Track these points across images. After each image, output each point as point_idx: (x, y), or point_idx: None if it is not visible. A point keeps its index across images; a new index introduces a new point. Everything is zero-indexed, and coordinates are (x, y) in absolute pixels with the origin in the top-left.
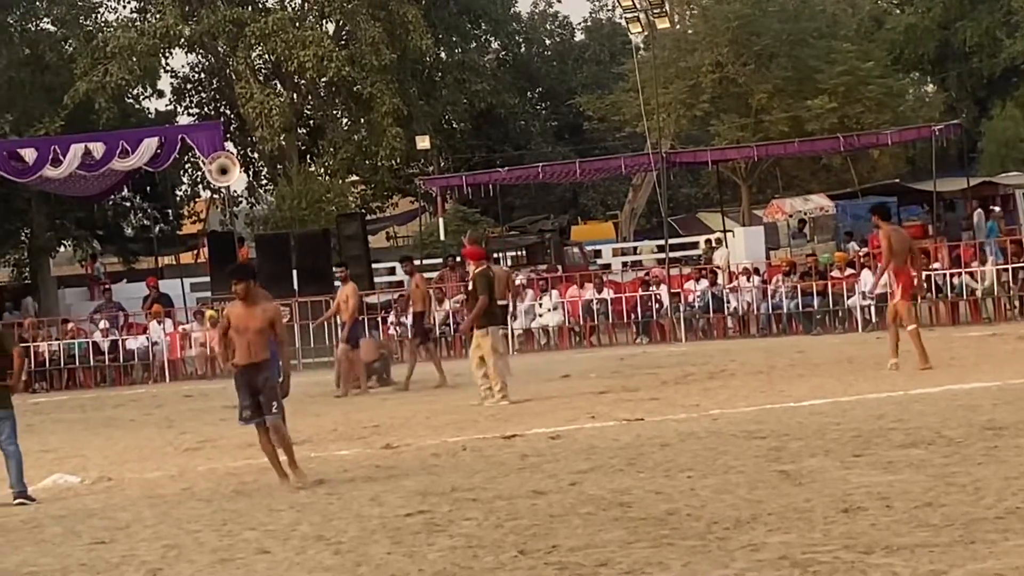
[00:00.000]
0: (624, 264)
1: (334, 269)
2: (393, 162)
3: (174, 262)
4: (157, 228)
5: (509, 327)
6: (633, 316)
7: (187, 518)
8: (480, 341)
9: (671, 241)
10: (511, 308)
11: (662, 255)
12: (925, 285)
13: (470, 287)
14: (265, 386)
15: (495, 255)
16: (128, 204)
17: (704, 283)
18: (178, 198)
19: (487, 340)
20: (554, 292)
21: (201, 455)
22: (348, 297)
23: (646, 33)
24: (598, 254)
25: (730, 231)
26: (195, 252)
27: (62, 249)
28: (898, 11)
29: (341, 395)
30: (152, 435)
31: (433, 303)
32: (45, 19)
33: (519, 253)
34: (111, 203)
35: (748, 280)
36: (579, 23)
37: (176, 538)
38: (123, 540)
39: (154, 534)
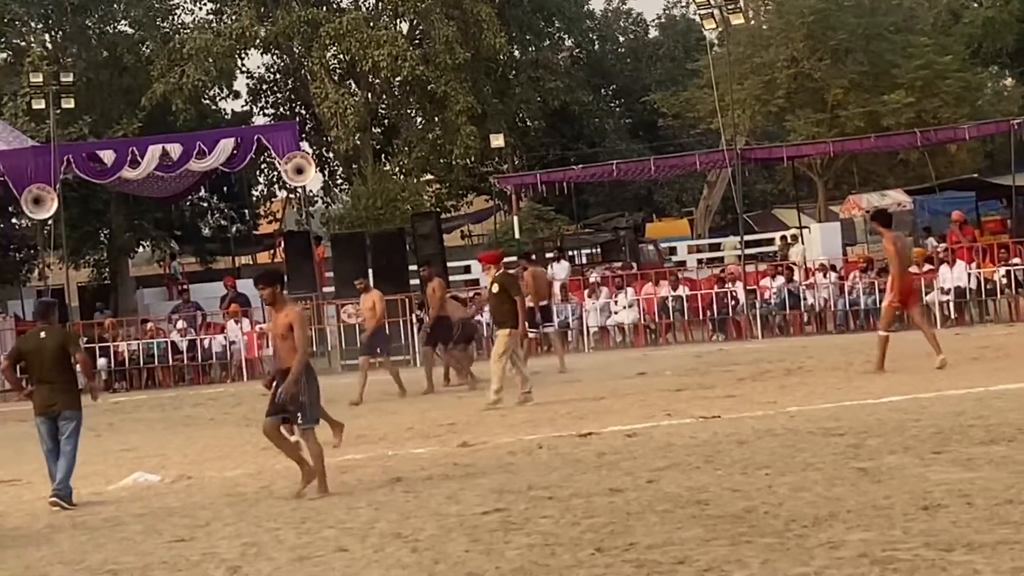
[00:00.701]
0: (699, 261)
1: (420, 269)
2: (467, 160)
3: (251, 262)
4: (234, 228)
5: (555, 326)
6: (709, 313)
7: (266, 516)
8: (499, 339)
9: (747, 238)
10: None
11: (738, 252)
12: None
13: (493, 290)
14: (282, 395)
15: (570, 253)
16: (205, 204)
17: (780, 280)
18: (254, 198)
19: (502, 340)
20: (629, 290)
21: (271, 453)
22: (375, 303)
23: (720, 29)
24: (673, 251)
25: (806, 227)
26: (272, 252)
27: (140, 250)
28: (976, 4)
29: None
30: (231, 434)
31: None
32: (123, 21)
33: (594, 251)
34: (188, 204)
35: (824, 276)
36: (653, 20)
37: (255, 536)
38: (203, 538)
39: (234, 532)
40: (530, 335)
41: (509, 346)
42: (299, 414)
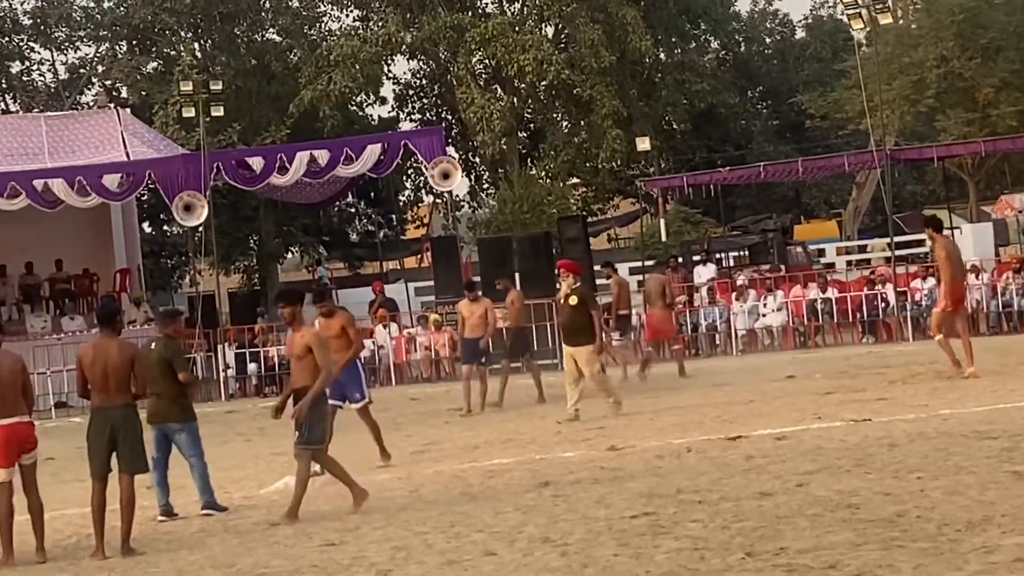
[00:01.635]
0: (848, 263)
1: (603, 268)
2: (613, 164)
3: (398, 267)
4: (381, 233)
5: (630, 337)
6: (859, 315)
7: (415, 520)
8: (577, 355)
9: (896, 239)
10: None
11: (887, 253)
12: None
13: (571, 302)
14: (298, 415)
15: (717, 255)
16: (353, 210)
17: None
18: (401, 203)
19: (591, 360)
20: (778, 292)
21: (427, 457)
22: (512, 303)
23: (868, 29)
24: (822, 253)
25: (957, 228)
26: (419, 256)
27: (289, 255)
28: None
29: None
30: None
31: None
32: (271, 30)
33: (741, 253)
34: (336, 209)
35: (977, 278)
36: (799, 20)
37: (404, 540)
38: (352, 542)
39: (383, 536)
40: (615, 342)
41: (596, 364)
42: (298, 434)
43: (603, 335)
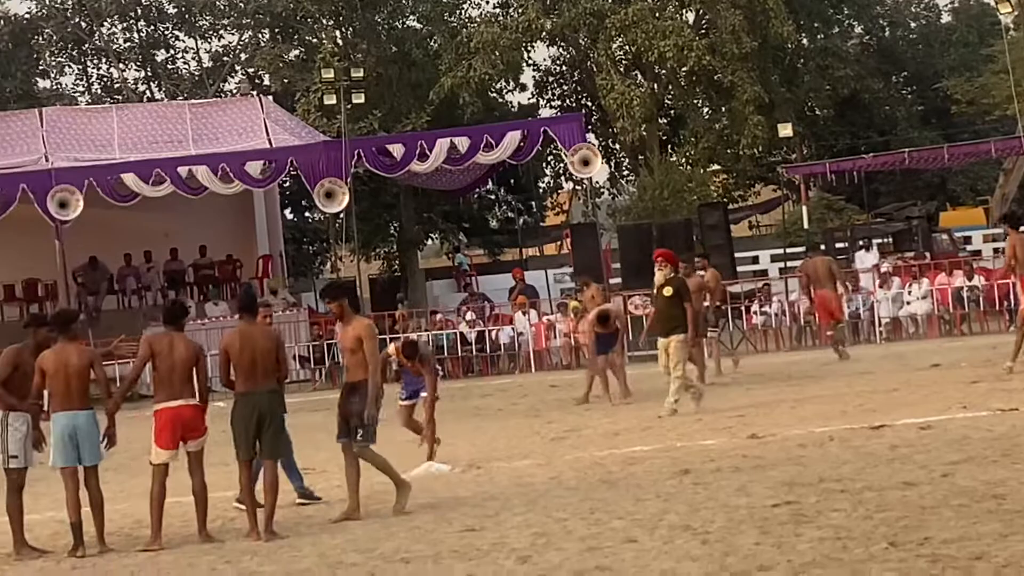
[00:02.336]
0: (995, 251)
1: (695, 259)
2: (755, 150)
3: (538, 254)
4: (521, 220)
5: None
6: (1005, 304)
7: (555, 506)
8: (669, 345)
9: None
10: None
11: None
12: None
13: (665, 293)
14: (352, 409)
15: (860, 242)
16: (492, 197)
17: None
18: (541, 190)
19: (678, 349)
20: (923, 280)
21: (567, 444)
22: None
23: (1016, 12)
24: (968, 240)
25: None
26: (558, 243)
27: (429, 242)
28: None
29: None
30: (519, 424)
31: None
32: (411, 17)
33: (885, 240)
34: (476, 196)
35: None
36: (945, 5)
37: (544, 526)
38: (493, 528)
39: (523, 522)
40: (710, 334)
41: (685, 355)
42: (358, 430)
43: (696, 327)
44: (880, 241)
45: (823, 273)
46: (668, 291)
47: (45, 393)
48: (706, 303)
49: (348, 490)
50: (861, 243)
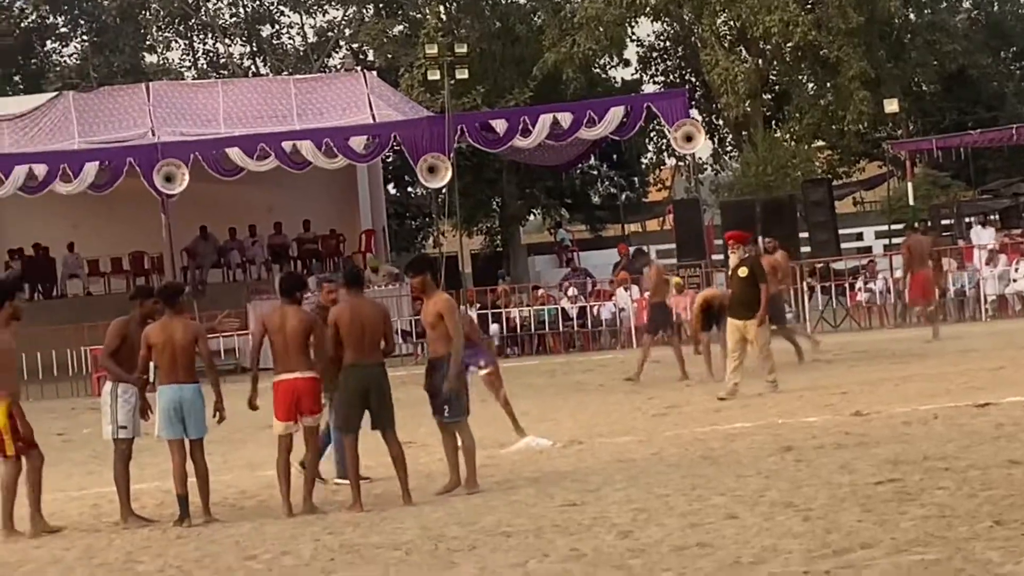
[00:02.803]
0: None
1: (766, 240)
2: (860, 126)
3: (640, 229)
4: (623, 196)
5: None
6: None
7: (656, 482)
8: (747, 328)
9: None
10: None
11: None
12: None
13: (741, 274)
14: (436, 385)
15: (967, 219)
16: (595, 172)
17: None
18: (643, 166)
19: (761, 334)
20: None
21: (668, 420)
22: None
23: None
24: None
25: None
26: (660, 219)
27: (532, 217)
28: None
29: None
30: (620, 400)
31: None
32: None
33: (992, 217)
34: (578, 172)
35: None
36: None
37: (646, 502)
38: (594, 502)
39: (624, 497)
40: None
41: (767, 336)
42: (445, 406)
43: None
44: (987, 218)
45: (925, 251)
46: (744, 272)
47: (151, 365)
48: (781, 286)
49: (448, 465)
50: (975, 219)
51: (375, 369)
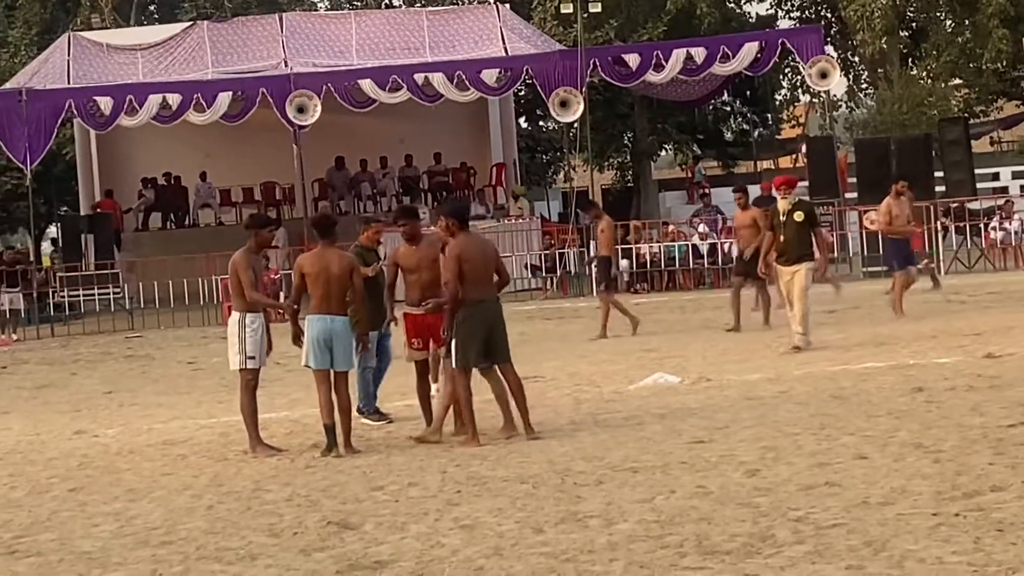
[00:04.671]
0: None
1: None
2: (999, 65)
3: (772, 167)
4: (756, 133)
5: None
6: None
7: (785, 421)
8: (797, 274)
9: None
10: None
11: None
12: None
13: (796, 218)
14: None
15: None
16: (728, 109)
17: None
18: (777, 102)
19: (804, 276)
20: None
21: (798, 359)
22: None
23: None
24: None
25: None
26: (793, 157)
27: (663, 153)
28: None
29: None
30: (750, 338)
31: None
32: None
33: None
34: (711, 108)
35: None
36: None
37: (774, 440)
38: (721, 440)
39: (752, 435)
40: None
41: (810, 283)
42: (447, 350)
43: (823, 256)
44: None
45: None
46: (799, 216)
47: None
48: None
49: (503, 411)
50: None
51: (496, 305)
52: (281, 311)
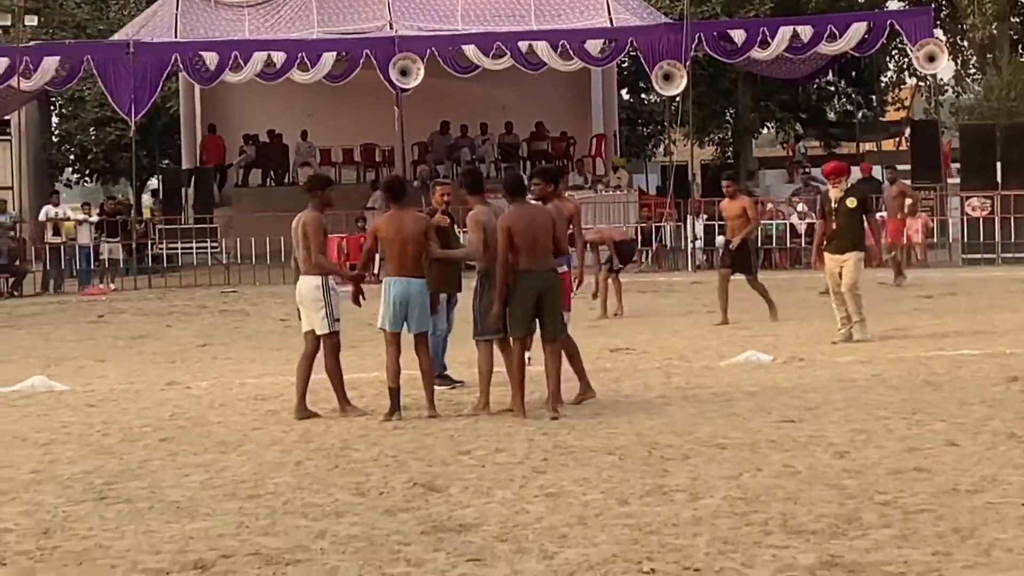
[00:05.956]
0: None
1: (886, 170)
2: None
3: (875, 148)
4: (860, 114)
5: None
6: None
7: (876, 404)
8: (846, 262)
9: None
10: None
11: None
12: None
13: (849, 204)
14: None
15: None
16: (832, 88)
17: None
18: (882, 84)
19: (857, 267)
20: None
21: (893, 343)
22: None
23: None
24: None
25: None
26: (897, 140)
27: (764, 131)
28: None
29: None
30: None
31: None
32: None
33: None
34: (815, 87)
35: None
36: None
37: (864, 423)
38: (811, 420)
39: (843, 417)
40: None
41: (861, 273)
42: (474, 322)
43: (876, 243)
44: None
45: None
46: (852, 202)
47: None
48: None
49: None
50: None
51: (549, 275)
52: (345, 278)
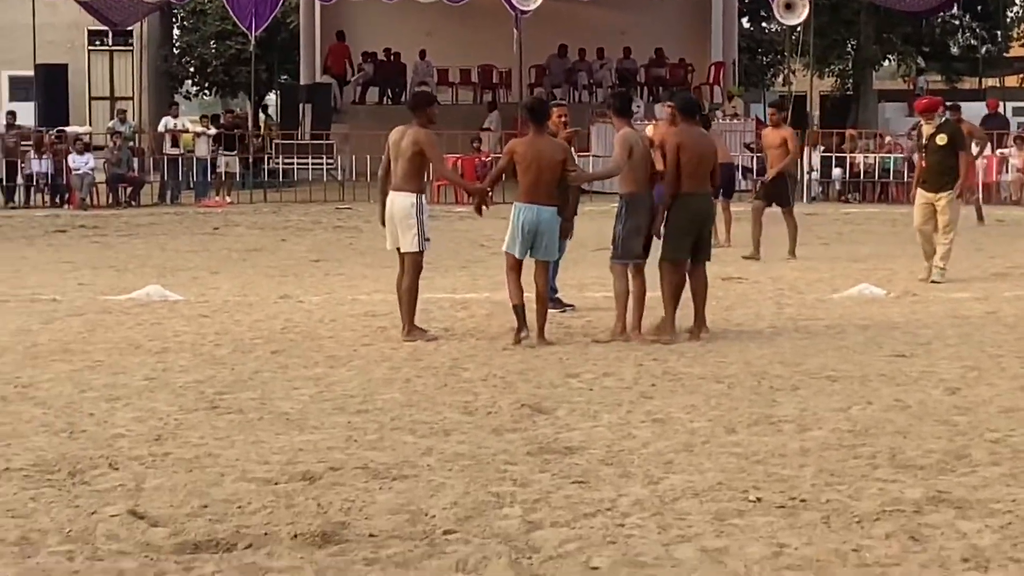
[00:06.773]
0: None
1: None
2: None
3: (998, 84)
4: (984, 49)
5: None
6: None
7: (990, 342)
8: (939, 201)
9: None
10: None
11: None
12: None
13: (939, 142)
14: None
15: None
16: (956, 22)
17: None
18: (1009, 19)
19: (952, 207)
20: None
21: (1009, 280)
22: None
23: None
24: None
25: None
26: (1020, 76)
27: (886, 63)
28: None
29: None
30: (960, 256)
31: None
32: None
33: None
34: (939, 20)
35: None
36: None
37: (977, 360)
38: (923, 356)
39: (955, 354)
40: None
41: (957, 212)
42: (612, 246)
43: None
44: None
45: None
46: (942, 139)
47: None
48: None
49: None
50: None
51: (708, 200)
52: (470, 192)
